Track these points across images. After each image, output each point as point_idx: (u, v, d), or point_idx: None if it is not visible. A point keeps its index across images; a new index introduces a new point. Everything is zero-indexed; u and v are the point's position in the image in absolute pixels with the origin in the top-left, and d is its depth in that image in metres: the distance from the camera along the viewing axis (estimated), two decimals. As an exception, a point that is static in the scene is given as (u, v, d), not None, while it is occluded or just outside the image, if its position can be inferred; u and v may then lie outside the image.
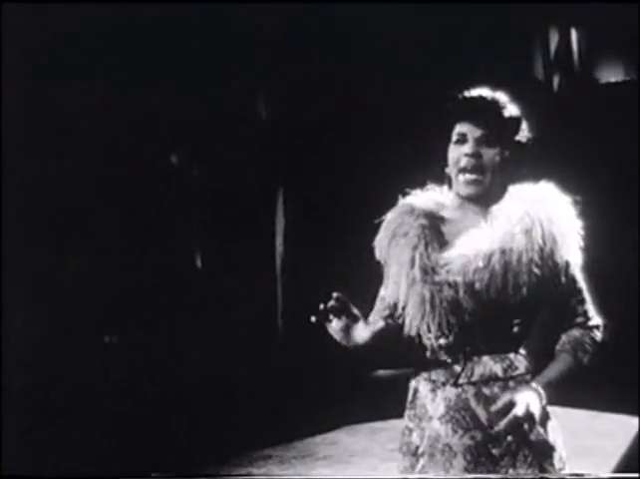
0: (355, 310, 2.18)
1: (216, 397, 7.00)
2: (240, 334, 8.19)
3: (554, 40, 9.79)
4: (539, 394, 2.12)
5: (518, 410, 2.06)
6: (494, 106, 2.20)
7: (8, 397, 4.43)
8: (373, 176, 8.08)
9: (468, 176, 2.18)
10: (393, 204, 2.36)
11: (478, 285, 2.15)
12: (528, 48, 9.78)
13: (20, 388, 4.99)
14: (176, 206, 8.43)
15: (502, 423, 2.05)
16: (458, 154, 2.20)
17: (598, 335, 2.24)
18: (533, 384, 2.15)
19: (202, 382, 7.27)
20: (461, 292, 2.16)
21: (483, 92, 2.23)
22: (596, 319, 2.26)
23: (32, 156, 6.57)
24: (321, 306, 2.13)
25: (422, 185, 2.36)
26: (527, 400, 2.08)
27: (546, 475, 2.17)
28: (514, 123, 2.22)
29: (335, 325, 2.16)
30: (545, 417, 2.19)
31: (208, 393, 7.06)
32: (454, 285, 2.16)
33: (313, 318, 2.12)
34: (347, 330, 2.17)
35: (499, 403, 2.10)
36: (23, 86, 5.54)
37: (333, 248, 8.28)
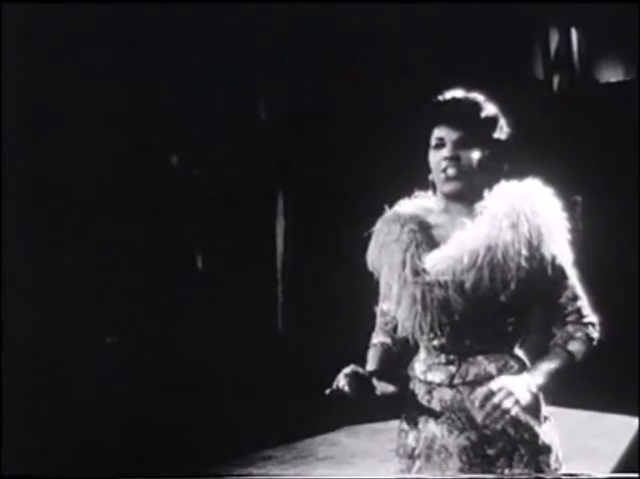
0: (367, 374, 2.19)
1: (217, 398, 7.00)
2: (241, 335, 8.20)
3: (554, 40, 9.80)
4: (526, 379, 2.09)
5: (493, 385, 2.04)
6: (470, 107, 2.20)
7: (8, 397, 4.43)
8: (374, 177, 8.09)
9: (448, 172, 2.19)
10: (390, 206, 2.38)
11: (467, 284, 2.16)
12: (528, 48, 9.79)
13: (20, 388, 4.99)
14: (177, 206, 8.44)
15: (484, 405, 2.03)
16: (438, 158, 2.21)
17: (593, 332, 2.23)
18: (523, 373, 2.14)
19: (203, 383, 7.27)
20: (450, 292, 2.17)
21: (458, 94, 2.23)
22: (591, 317, 2.24)
23: (31, 156, 6.57)
24: (334, 386, 2.15)
25: (409, 192, 2.38)
26: (507, 381, 2.06)
27: (542, 475, 2.17)
28: (492, 122, 2.22)
29: (349, 391, 2.16)
30: (536, 405, 2.18)
31: (209, 394, 7.06)
32: (444, 285, 2.18)
33: (327, 391, 2.15)
34: (365, 392, 2.17)
35: (479, 390, 2.08)
36: (23, 86, 5.53)
37: (333, 250, 8.28)
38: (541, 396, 2.23)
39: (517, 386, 2.05)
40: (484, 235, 2.17)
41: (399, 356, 2.35)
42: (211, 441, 6.08)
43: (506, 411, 2.01)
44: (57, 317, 7.16)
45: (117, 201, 7.76)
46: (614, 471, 5.19)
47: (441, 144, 2.20)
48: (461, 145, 2.18)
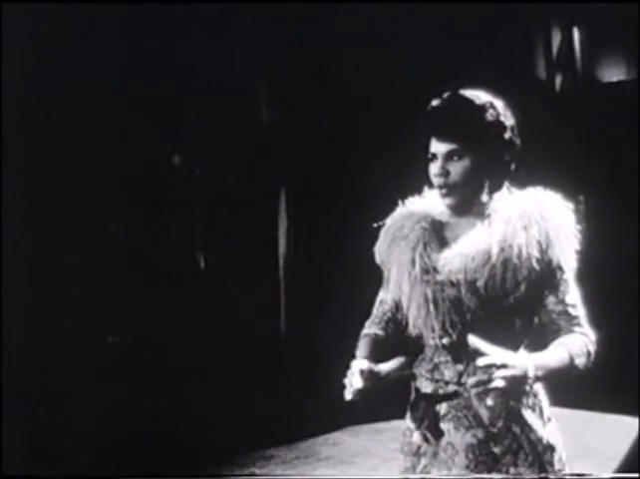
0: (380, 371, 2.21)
1: (219, 397, 7.00)
2: (243, 335, 8.20)
3: (556, 39, 9.80)
4: (529, 366, 2.04)
5: (497, 358, 2.00)
6: (461, 115, 2.18)
7: (9, 397, 4.43)
8: (375, 176, 8.09)
9: (441, 190, 2.21)
10: (393, 205, 2.40)
11: (479, 283, 2.16)
12: (530, 47, 9.78)
13: (21, 388, 4.99)
14: (179, 206, 8.44)
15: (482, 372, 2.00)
16: (431, 172, 2.23)
17: (589, 345, 2.20)
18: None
19: (205, 382, 7.27)
20: (463, 291, 2.18)
21: (451, 99, 2.21)
22: (588, 330, 2.22)
23: (32, 156, 6.57)
24: (351, 386, 2.16)
25: (419, 191, 2.39)
26: (511, 359, 2.02)
27: (548, 475, 2.17)
28: (487, 125, 2.19)
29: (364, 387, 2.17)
30: (526, 392, 2.17)
31: (211, 393, 7.06)
32: (456, 284, 2.18)
33: (348, 396, 2.15)
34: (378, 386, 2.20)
35: (482, 359, 2.03)
36: (23, 86, 5.54)
37: (335, 249, 8.28)
38: (541, 394, 2.24)
39: (517, 369, 2.01)
40: (498, 235, 2.18)
41: (391, 349, 2.35)
42: (213, 441, 6.08)
43: (495, 385, 1.97)
44: (58, 317, 7.16)
45: (119, 200, 7.76)
46: (617, 471, 5.19)
47: (433, 157, 2.21)
48: (450, 158, 2.18)
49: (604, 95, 9.29)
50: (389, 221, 2.36)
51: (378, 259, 2.36)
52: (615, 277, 8.17)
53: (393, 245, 2.31)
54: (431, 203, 2.34)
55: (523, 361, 2.04)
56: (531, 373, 2.03)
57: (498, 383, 1.96)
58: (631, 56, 8.70)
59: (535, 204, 2.21)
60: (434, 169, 2.20)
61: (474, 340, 2.05)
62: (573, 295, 2.22)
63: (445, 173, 2.18)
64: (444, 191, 2.20)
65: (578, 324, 2.20)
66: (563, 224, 2.21)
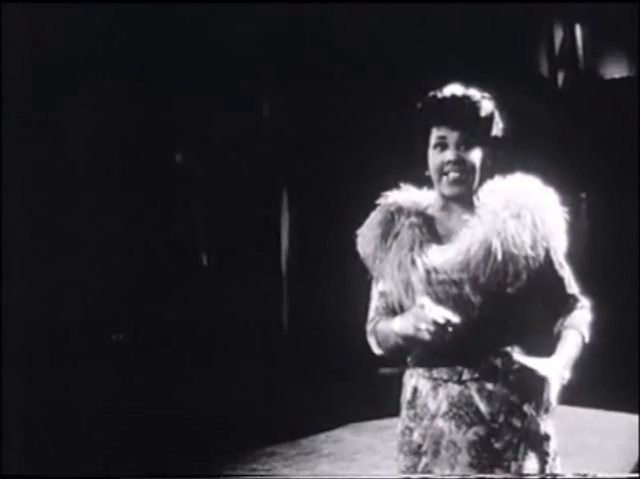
0: None
1: (221, 394, 7.01)
2: (246, 332, 8.21)
3: (559, 37, 9.79)
4: (560, 371, 2.18)
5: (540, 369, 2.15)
6: (469, 105, 2.19)
7: (10, 396, 4.43)
8: (378, 174, 8.07)
9: (452, 176, 2.19)
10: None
11: (482, 279, 2.17)
12: (533, 45, 9.78)
13: (23, 387, 4.99)
14: (182, 205, 8.45)
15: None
16: (440, 160, 2.20)
17: (589, 315, 2.30)
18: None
19: (207, 380, 7.28)
20: (466, 289, 2.17)
21: (456, 90, 2.22)
22: (584, 300, 2.30)
23: (35, 154, 6.58)
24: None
25: (396, 186, 2.37)
26: (548, 371, 2.16)
27: (550, 475, 2.18)
28: (490, 119, 2.22)
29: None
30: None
31: (213, 391, 7.08)
32: (458, 283, 2.18)
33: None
34: None
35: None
36: (24, 86, 5.54)
37: (338, 247, 8.28)
38: None
39: (554, 378, 2.16)
40: (491, 229, 2.18)
41: None
42: (216, 437, 6.09)
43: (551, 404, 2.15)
44: (62, 315, 7.17)
45: (122, 199, 7.77)
46: (632, 471, 5.17)
47: (443, 144, 2.19)
48: (462, 145, 2.18)
49: (606, 92, 9.28)
50: (377, 214, 2.33)
51: (362, 253, 2.32)
52: (616, 275, 8.17)
53: (383, 244, 2.28)
54: (420, 195, 2.33)
55: (558, 369, 2.18)
56: (566, 377, 2.19)
57: (552, 400, 2.15)
58: (632, 53, 8.70)
59: (518, 191, 2.24)
60: (447, 155, 2.18)
61: (519, 358, 2.17)
62: (567, 273, 2.27)
63: (460, 159, 2.17)
64: (456, 177, 2.18)
65: (575, 299, 2.28)
66: (549, 206, 2.23)
